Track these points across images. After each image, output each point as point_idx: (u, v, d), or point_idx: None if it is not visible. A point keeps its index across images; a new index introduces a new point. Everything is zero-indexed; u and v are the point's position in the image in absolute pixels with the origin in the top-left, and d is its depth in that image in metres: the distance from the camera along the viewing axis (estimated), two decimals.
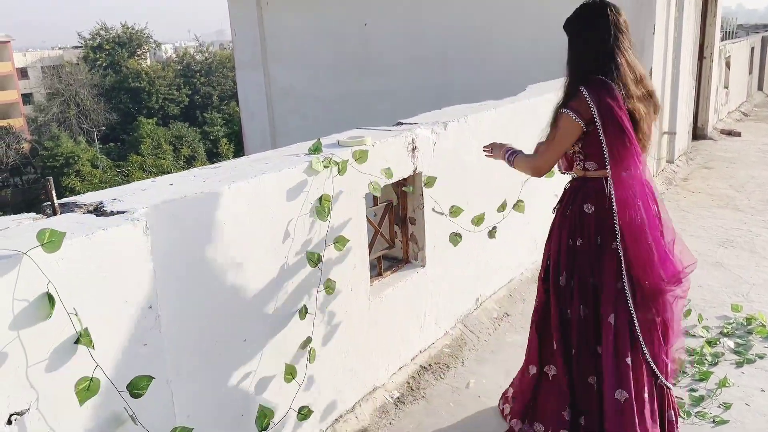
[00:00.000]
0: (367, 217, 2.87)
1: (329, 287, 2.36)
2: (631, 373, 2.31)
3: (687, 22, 6.68)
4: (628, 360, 2.32)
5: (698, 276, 4.28)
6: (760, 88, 13.85)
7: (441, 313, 3.35)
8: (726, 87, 10.01)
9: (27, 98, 48.27)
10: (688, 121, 7.53)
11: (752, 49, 12.66)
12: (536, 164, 2.41)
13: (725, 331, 3.54)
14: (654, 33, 5.78)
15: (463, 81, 6.84)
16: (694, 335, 3.51)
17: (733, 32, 18.35)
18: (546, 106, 4.32)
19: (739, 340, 3.43)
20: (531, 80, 5.15)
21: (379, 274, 3.02)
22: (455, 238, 3.13)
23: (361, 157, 2.54)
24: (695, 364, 3.21)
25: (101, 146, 43.57)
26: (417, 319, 3.17)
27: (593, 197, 2.34)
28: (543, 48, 6.47)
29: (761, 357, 3.26)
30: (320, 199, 2.40)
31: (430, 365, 3.21)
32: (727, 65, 9.92)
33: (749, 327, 3.58)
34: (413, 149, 2.97)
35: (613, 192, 2.26)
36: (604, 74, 2.23)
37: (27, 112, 46.00)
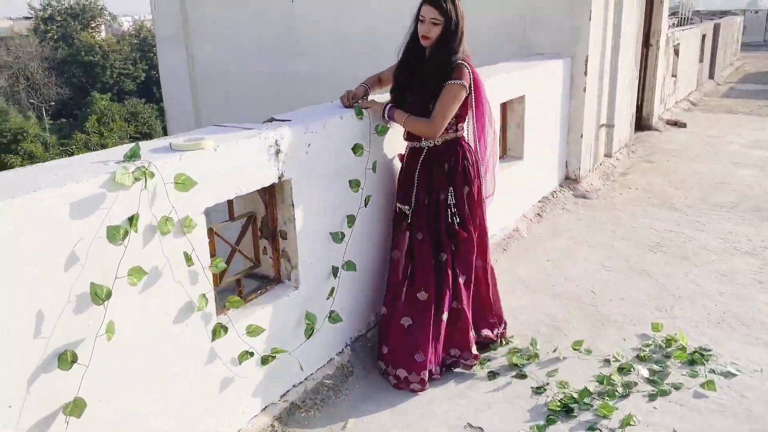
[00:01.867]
0: (216, 233, 2.41)
1: (110, 331, 1.88)
2: None
3: (629, 8, 6.32)
4: None
5: (622, 286, 3.95)
6: (711, 76, 13.71)
7: (323, 337, 2.92)
8: (674, 76, 9.75)
9: None
10: (630, 112, 7.22)
11: (704, 36, 12.45)
12: (434, 127, 2.84)
13: (642, 354, 3.20)
14: (590, 19, 5.39)
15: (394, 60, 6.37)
16: (608, 359, 3.16)
17: (688, 18, 18.22)
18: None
19: (655, 366, 3.09)
20: None
21: (240, 298, 2.57)
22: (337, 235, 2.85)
23: (185, 170, 2.06)
24: (603, 396, 2.86)
25: (52, 122, 41.92)
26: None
27: (470, 150, 3.04)
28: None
29: (677, 388, 2.92)
30: (130, 219, 1.92)
31: (304, 402, 2.78)
32: (676, 53, 9.65)
33: (668, 350, 3.25)
34: (276, 152, 2.50)
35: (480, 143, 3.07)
36: (462, 51, 2.89)
37: None
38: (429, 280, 2.95)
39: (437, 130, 2.85)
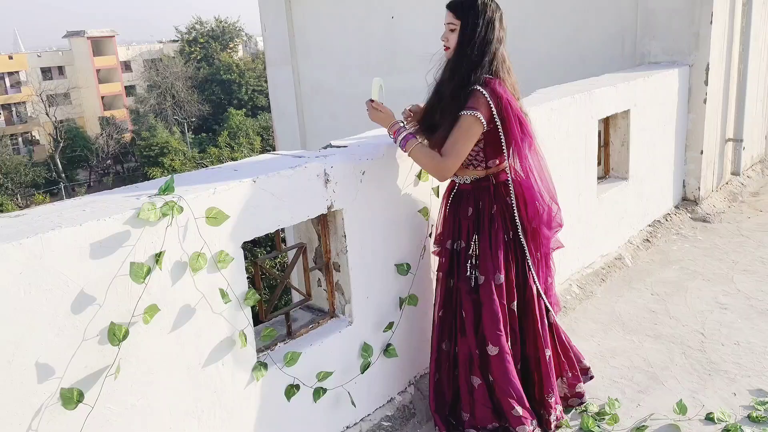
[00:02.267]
0: (258, 264, 2.32)
1: (118, 371, 1.81)
2: None
3: (760, 10, 5.60)
4: None
5: (738, 329, 3.43)
6: None
7: (382, 373, 2.75)
8: None
9: (131, 90, 50.85)
10: (765, 124, 6.40)
11: None
12: (443, 166, 2.37)
13: (754, 414, 2.72)
14: (712, 23, 4.82)
15: None
16: (712, 418, 2.71)
17: None
18: (550, 115, 3.63)
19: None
20: (557, 81, 4.41)
21: (288, 333, 2.47)
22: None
23: (214, 215, 1.98)
24: None
25: (194, 137, 45.29)
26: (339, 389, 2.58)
27: (508, 190, 2.49)
28: (573, 46, 5.66)
29: None
30: (157, 255, 1.87)
31: None
32: None
33: None
34: (325, 182, 2.38)
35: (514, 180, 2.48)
36: (493, 71, 2.37)
37: (129, 103, 48.48)
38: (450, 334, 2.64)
39: (446, 170, 2.37)
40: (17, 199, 33.09)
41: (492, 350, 2.52)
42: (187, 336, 2.01)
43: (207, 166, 22.93)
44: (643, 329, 3.52)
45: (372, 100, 2.58)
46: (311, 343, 2.44)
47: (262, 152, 34.04)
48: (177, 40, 54.46)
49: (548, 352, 2.63)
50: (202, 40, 52.36)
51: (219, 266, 2.05)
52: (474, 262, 2.51)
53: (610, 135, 4.44)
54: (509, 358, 2.53)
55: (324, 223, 2.53)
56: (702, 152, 5.11)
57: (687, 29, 4.92)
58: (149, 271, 1.84)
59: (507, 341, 2.53)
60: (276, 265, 12.19)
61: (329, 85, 7.78)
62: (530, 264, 2.56)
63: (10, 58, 45.71)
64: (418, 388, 2.93)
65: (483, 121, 2.32)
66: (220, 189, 2.04)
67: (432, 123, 2.50)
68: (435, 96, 2.51)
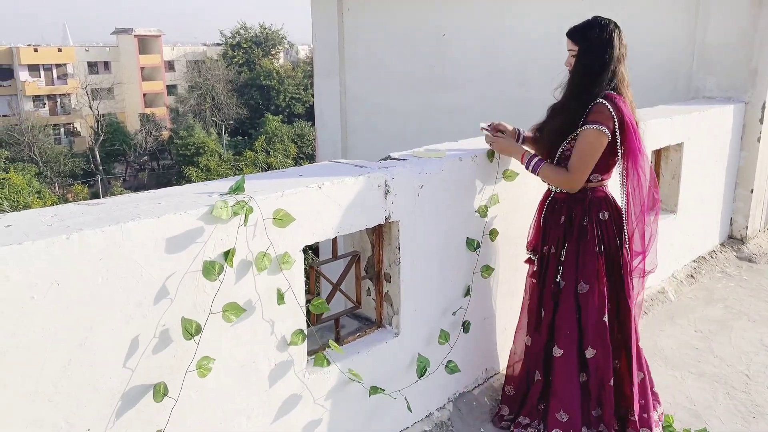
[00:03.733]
0: (317, 270, 2.36)
1: (203, 367, 1.86)
2: None
3: None
4: None
5: None
6: None
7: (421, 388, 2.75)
8: None
9: (172, 89, 51.82)
10: None
11: None
12: (572, 179, 2.57)
13: None
14: None
15: (543, 97, 6.10)
16: None
17: None
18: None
19: None
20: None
21: (337, 339, 2.49)
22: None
23: (281, 217, 2.02)
24: None
25: (230, 139, 45.96)
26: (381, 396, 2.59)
27: (604, 205, 2.65)
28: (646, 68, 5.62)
29: None
30: (226, 253, 1.92)
31: None
32: None
33: None
34: (385, 193, 2.41)
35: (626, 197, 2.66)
36: (602, 82, 2.51)
37: (170, 102, 49.40)
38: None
39: (576, 182, 2.58)
40: (54, 188, 33.87)
41: (557, 352, 2.66)
42: (245, 334, 2.05)
43: (242, 169, 23.21)
44: (685, 365, 3.47)
45: (489, 126, 2.79)
46: (358, 351, 2.46)
47: (296, 159, 34.36)
48: (221, 44, 55.43)
49: (641, 375, 2.76)
50: (245, 45, 53.20)
51: (282, 267, 2.09)
52: (560, 268, 2.65)
53: (661, 167, 4.39)
54: (574, 363, 2.65)
55: (379, 233, 2.56)
56: (752, 191, 5.03)
57: (744, 66, 4.87)
58: (221, 269, 1.88)
59: (576, 346, 2.65)
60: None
61: (374, 98, 7.85)
62: (627, 281, 2.70)
63: (60, 50, 46.96)
64: (457, 405, 2.92)
65: (608, 133, 2.47)
66: (288, 192, 2.08)
67: (551, 138, 2.65)
68: (555, 112, 2.66)
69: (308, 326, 2.32)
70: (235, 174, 26.99)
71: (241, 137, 46.20)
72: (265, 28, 54.38)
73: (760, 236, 5.31)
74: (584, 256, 2.64)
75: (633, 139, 2.54)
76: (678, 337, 3.79)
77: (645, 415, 2.72)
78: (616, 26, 2.54)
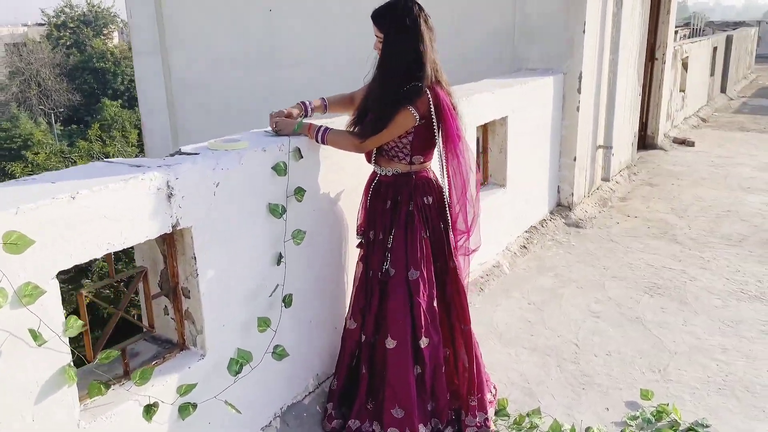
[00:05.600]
0: (84, 295, 1.95)
1: None
2: None
3: (630, 20, 5.83)
4: None
5: (610, 338, 3.46)
6: (723, 90, 13.14)
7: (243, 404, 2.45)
8: (682, 90, 9.23)
9: None
10: (632, 131, 6.71)
11: (715, 49, 11.90)
12: (362, 144, 2.46)
13: (626, 430, 2.70)
14: (584, 32, 4.91)
15: None
16: None
17: (701, 30, 17.64)
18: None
19: None
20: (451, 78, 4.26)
21: (126, 374, 2.11)
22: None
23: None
24: None
25: (62, 129, 41.93)
26: None
27: (428, 189, 2.57)
28: (455, 48, 5.60)
29: None
30: None
31: None
32: (684, 67, 9.13)
33: (658, 425, 2.75)
34: (168, 196, 2.04)
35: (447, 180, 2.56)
36: (426, 75, 2.37)
37: None
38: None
39: (363, 148, 2.49)
40: None
41: (390, 343, 2.53)
42: None
43: (76, 162, 21.04)
44: (519, 341, 3.46)
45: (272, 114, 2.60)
46: (153, 384, 2.10)
47: (140, 146, 32.00)
48: (43, 24, 50.38)
49: (473, 359, 2.67)
50: (72, 25, 48.69)
51: (24, 301, 1.67)
52: (388, 255, 2.53)
53: (488, 141, 4.38)
54: (409, 355, 2.52)
55: (171, 242, 2.20)
56: (575, 159, 5.21)
57: (561, 35, 4.98)
58: None
59: (410, 336, 2.53)
60: (114, 294, 10.68)
61: (203, 79, 7.28)
62: (455, 263, 2.64)
63: None
64: (285, 420, 2.66)
65: (416, 116, 2.37)
66: (27, 208, 1.65)
67: (362, 121, 2.51)
68: (368, 107, 2.50)
69: (86, 362, 1.93)
70: (65, 167, 24.54)
71: (76, 126, 42.38)
72: (93, 6, 50.00)
73: (585, 202, 5.56)
74: (412, 243, 2.54)
75: (450, 124, 2.45)
76: (513, 311, 3.80)
77: (478, 401, 2.64)
78: (421, 9, 2.40)
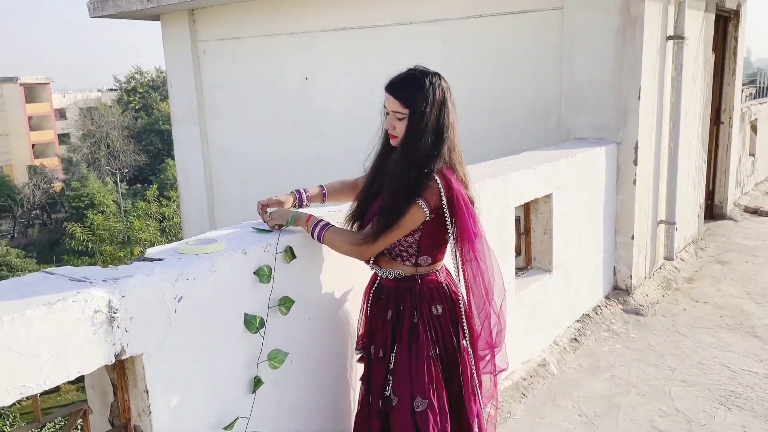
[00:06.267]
0: None
1: None
2: None
3: (691, 83, 5.31)
4: None
5: None
6: None
7: None
8: (752, 155, 8.50)
9: (64, 138, 49.19)
10: (698, 202, 6.07)
11: None
12: (365, 249, 2.05)
13: None
14: (640, 98, 4.43)
15: None
16: None
17: (766, 88, 16.72)
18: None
19: None
20: (475, 157, 3.85)
21: None
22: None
23: None
24: None
25: (127, 188, 43.58)
26: None
27: (437, 296, 2.13)
28: (494, 119, 5.21)
29: None
30: None
31: None
32: (753, 129, 8.43)
33: None
34: (109, 320, 1.66)
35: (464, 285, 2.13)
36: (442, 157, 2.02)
37: (62, 152, 46.77)
38: None
39: (366, 253, 2.08)
40: None
41: None
42: None
43: (132, 223, 21.47)
44: None
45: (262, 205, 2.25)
46: None
47: None
48: (115, 89, 53.32)
49: None
50: (141, 90, 51.45)
51: None
52: (390, 379, 2.11)
53: (531, 221, 3.90)
54: None
55: (120, 371, 1.80)
56: (633, 237, 4.64)
57: (613, 104, 4.51)
58: None
59: None
60: None
61: (240, 147, 7.11)
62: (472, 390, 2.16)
63: None
64: None
65: (426, 211, 2.01)
66: None
67: (365, 212, 2.15)
68: (376, 185, 2.15)
69: None
70: (127, 226, 25.13)
71: (140, 185, 43.97)
72: (161, 72, 52.72)
73: (646, 284, 4.93)
74: (418, 364, 2.07)
75: (466, 219, 2.06)
76: (560, 426, 3.22)
77: None
78: (444, 81, 2.08)
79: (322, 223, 2.12)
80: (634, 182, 4.56)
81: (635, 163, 4.52)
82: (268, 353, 2.07)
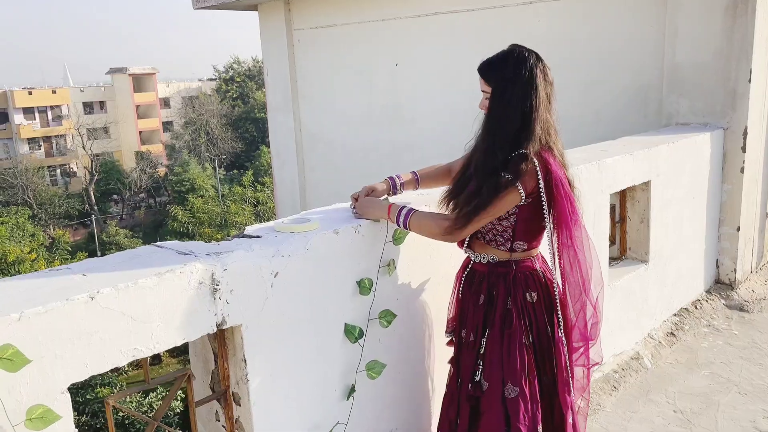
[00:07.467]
0: (110, 405, 1.71)
1: None
2: None
3: None
4: None
5: None
6: None
7: None
8: None
9: (168, 126, 51.91)
10: None
11: None
12: (457, 232, 2.00)
13: None
14: (750, 81, 4.15)
15: None
16: None
17: None
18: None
19: None
20: (568, 143, 3.76)
21: None
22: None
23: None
24: None
25: (225, 173, 45.62)
26: None
27: (532, 283, 2.08)
28: (588, 104, 5.04)
29: None
30: None
31: None
32: None
33: None
34: (213, 291, 1.77)
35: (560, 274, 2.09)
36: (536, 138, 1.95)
37: (165, 139, 49.42)
38: None
39: (455, 236, 2.01)
40: (50, 230, 33.31)
41: None
42: None
43: (229, 206, 22.45)
44: None
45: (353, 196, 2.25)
46: None
47: None
48: (215, 79, 55.61)
49: None
50: (238, 79, 53.35)
51: (37, 426, 1.44)
52: (480, 364, 2.08)
53: (627, 209, 3.76)
54: None
55: (221, 340, 1.92)
56: (739, 228, 4.38)
57: (720, 87, 4.25)
58: None
59: None
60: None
61: (330, 134, 7.27)
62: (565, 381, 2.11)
63: (54, 92, 46.93)
64: None
65: (522, 194, 1.95)
66: (31, 313, 1.44)
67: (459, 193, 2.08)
68: (469, 175, 2.07)
69: None
70: (224, 210, 26.34)
71: (237, 171, 45.84)
72: (258, 62, 54.49)
73: (752, 279, 4.64)
74: (510, 350, 2.04)
75: (565, 205, 2.00)
76: (653, 421, 3.11)
77: None
78: (539, 59, 1.99)
79: (405, 210, 2.08)
80: (742, 170, 4.28)
81: (743, 150, 4.25)
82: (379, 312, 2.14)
